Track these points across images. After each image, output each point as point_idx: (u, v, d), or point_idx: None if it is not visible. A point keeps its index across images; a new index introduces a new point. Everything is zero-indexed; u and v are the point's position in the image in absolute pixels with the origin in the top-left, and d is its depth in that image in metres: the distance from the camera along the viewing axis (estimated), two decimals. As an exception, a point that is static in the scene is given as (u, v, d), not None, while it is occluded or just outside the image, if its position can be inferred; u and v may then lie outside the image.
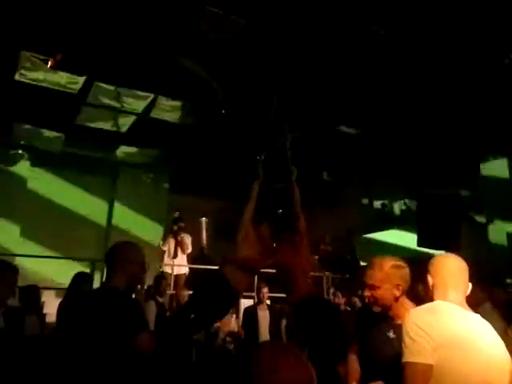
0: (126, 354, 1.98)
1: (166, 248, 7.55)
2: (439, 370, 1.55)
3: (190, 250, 7.64)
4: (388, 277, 2.14)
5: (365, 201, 10.02)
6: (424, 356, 1.56)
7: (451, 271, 1.89)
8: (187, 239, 7.61)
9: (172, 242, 7.48)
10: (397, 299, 2.15)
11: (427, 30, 4.67)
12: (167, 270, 7.34)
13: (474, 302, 3.63)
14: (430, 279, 1.91)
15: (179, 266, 7.38)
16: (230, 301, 3.27)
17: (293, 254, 3.42)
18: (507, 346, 1.70)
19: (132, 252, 2.30)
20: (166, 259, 7.51)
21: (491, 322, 1.79)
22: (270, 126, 4.31)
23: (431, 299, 1.86)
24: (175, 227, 7.56)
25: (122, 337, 1.98)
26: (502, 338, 1.73)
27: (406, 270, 2.19)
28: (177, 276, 7.33)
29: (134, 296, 2.59)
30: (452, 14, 4.41)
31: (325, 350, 2.87)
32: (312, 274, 8.16)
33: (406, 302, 2.17)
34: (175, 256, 7.33)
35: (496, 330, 1.77)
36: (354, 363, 2.44)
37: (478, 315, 1.80)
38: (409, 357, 1.59)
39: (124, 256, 2.24)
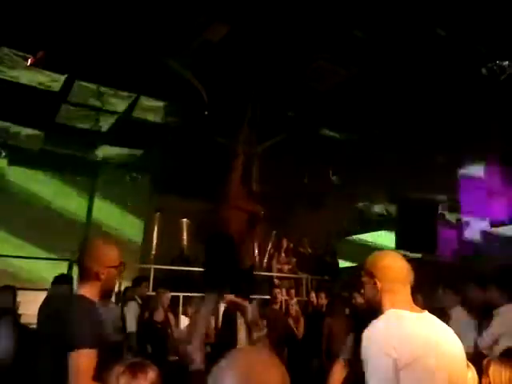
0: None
1: None
2: None
3: None
4: None
5: (346, 204, 10.12)
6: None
7: (399, 273, 1.76)
8: None
9: None
10: None
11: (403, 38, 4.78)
12: None
13: (446, 305, 3.70)
14: (378, 283, 1.75)
15: (156, 267, 7.33)
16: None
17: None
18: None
19: (104, 252, 2.10)
20: None
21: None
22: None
23: (378, 305, 1.75)
24: None
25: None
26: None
27: None
28: None
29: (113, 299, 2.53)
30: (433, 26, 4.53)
31: None
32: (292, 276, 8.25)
33: None
34: None
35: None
36: None
37: (431, 316, 1.74)
38: None
39: (95, 257, 2.05)
